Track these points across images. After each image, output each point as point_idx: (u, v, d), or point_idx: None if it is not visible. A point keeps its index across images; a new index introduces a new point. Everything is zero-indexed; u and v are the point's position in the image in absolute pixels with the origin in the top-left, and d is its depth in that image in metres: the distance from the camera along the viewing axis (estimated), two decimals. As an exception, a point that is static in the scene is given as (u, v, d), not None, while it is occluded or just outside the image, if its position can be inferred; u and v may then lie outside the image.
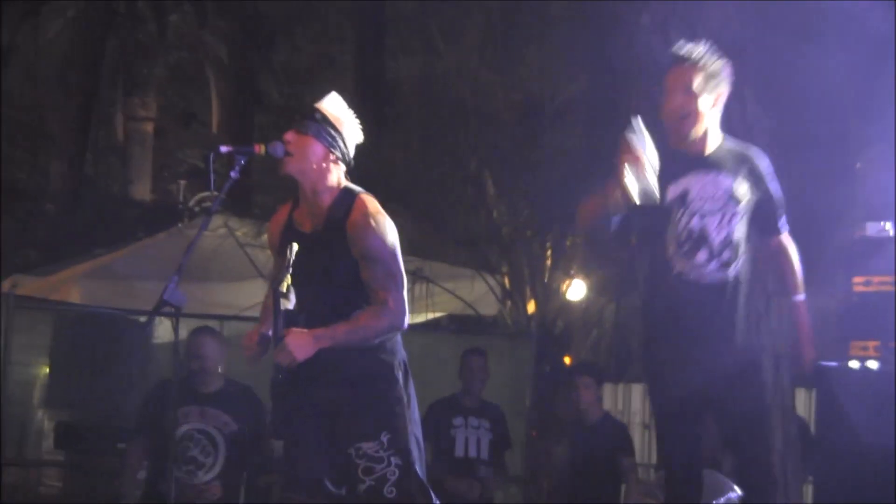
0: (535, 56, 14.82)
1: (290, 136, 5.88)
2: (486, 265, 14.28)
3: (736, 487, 8.32)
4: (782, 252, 6.18)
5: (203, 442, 8.82)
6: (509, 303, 14.75)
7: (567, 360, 14.23)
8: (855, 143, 9.92)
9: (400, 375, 5.98)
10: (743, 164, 6.00)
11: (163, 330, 12.37)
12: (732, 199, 5.93)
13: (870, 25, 9.50)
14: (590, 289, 14.57)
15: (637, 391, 14.20)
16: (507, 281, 14.66)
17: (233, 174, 5.80)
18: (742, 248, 5.92)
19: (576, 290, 14.47)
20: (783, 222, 6.15)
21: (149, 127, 20.30)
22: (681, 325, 5.91)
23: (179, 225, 14.95)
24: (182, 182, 17.95)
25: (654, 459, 11.93)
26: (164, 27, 18.84)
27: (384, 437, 5.92)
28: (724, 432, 6.34)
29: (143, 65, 19.69)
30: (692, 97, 5.91)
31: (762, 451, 6.08)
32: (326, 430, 5.97)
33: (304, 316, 5.91)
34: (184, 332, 9.07)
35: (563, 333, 14.51)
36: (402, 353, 6.00)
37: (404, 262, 6.08)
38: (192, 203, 16.48)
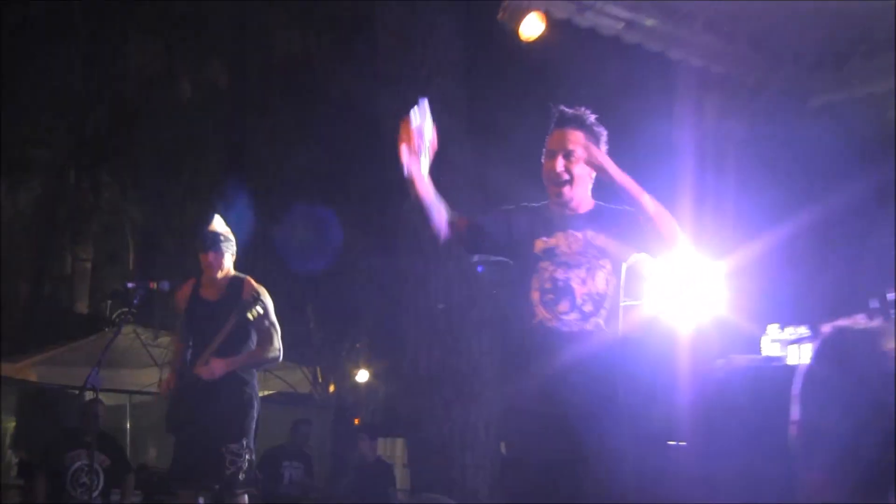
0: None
1: (212, 256, 6.38)
2: (303, 360, 14.25)
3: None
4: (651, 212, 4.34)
5: (90, 472, 8.87)
6: (318, 386, 14.66)
7: (356, 421, 14.23)
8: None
9: (256, 403, 6.39)
10: (614, 223, 4.41)
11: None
12: (600, 254, 4.39)
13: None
14: (371, 376, 14.85)
15: (399, 443, 13.91)
16: (318, 370, 14.71)
17: (136, 301, 6.34)
18: (607, 303, 4.35)
19: (361, 376, 14.85)
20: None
21: (87, 265, 19.75)
22: (535, 369, 4.30)
23: (105, 330, 14.61)
24: (109, 301, 17.48)
25: (409, 486, 11.09)
26: (97, 199, 18.60)
27: (244, 441, 6.26)
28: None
29: (84, 224, 19.11)
30: (575, 161, 4.40)
31: None
32: (208, 434, 6.21)
33: (211, 354, 6.24)
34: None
35: (352, 405, 14.74)
36: (257, 390, 6.45)
37: (249, 364, 6.59)
38: (114, 316, 15.79)
